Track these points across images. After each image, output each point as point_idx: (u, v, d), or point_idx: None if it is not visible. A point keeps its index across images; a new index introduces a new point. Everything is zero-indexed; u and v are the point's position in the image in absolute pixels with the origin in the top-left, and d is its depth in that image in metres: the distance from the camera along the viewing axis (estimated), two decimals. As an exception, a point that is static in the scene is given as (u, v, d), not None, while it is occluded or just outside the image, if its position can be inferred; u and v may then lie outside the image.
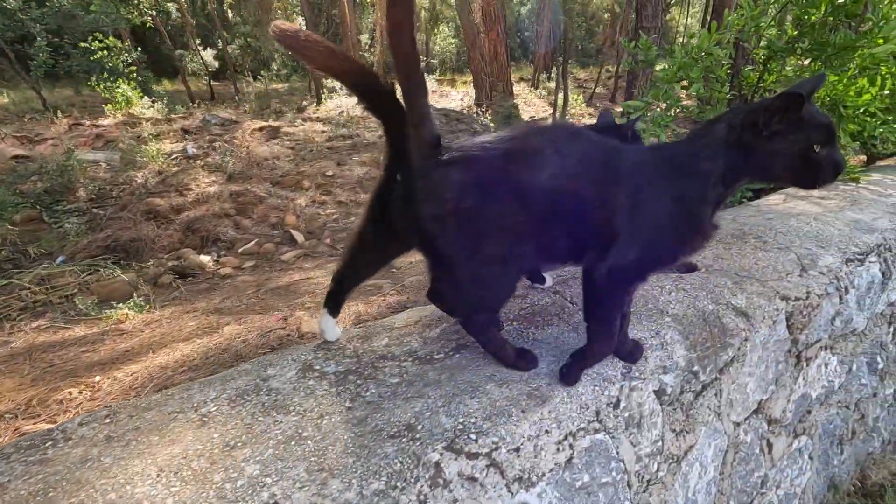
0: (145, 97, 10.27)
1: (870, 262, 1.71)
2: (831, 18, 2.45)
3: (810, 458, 1.66)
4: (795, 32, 2.56)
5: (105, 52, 9.88)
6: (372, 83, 0.91)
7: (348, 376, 1.00)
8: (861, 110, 2.41)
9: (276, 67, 16.67)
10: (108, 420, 0.89)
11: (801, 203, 2.09)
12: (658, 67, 2.67)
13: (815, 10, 2.41)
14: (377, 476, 0.74)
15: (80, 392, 1.61)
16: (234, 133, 8.31)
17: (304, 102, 12.71)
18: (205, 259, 4.15)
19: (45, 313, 3.06)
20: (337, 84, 13.87)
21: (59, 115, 9.18)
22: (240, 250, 4.48)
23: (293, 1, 16.31)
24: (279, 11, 16.29)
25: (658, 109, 2.54)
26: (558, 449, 0.88)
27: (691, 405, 1.15)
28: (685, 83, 2.53)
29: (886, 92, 2.35)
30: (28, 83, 9.78)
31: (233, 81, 13.98)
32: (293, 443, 0.81)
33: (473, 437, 0.82)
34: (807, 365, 1.53)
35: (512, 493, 0.81)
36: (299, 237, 4.75)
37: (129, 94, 9.84)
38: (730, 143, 0.84)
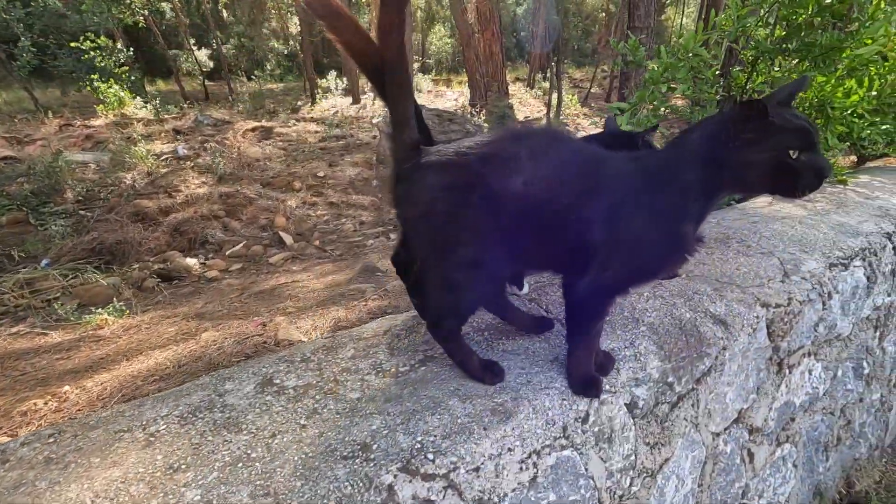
0: (138, 98, 10.20)
1: (854, 266, 1.69)
2: (818, 19, 2.43)
3: (794, 465, 1.63)
4: (783, 33, 2.54)
5: (97, 52, 9.80)
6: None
7: (308, 391, 0.96)
8: (849, 111, 2.38)
9: (270, 67, 16.59)
10: (51, 440, 0.85)
11: (787, 206, 2.06)
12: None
13: (802, 10, 2.38)
14: (325, 501, 0.71)
15: (46, 403, 1.56)
16: (227, 133, 8.26)
17: (299, 102, 12.67)
18: (191, 262, 4.10)
19: (25, 318, 3.01)
20: (332, 84, 13.82)
21: (51, 115, 9.10)
22: (227, 253, 4.43)
23: (287, 0, 16.24)
24: (273, 11, 16.22)
25: (645, 111, 2.51)
26: (522, 468, 0.84)
27: (667, 417, 1.12)
28: (674, 84, 2.50)
29: (874, 93, 2.33)
30: (20, 83, 9.70)
31: (227, 81, 13.91)
32: (240, 465, 0.77)
33: (431, 456, 0.79)
34: (789, 372, 1.50)
35: (470, 516, 0.77)
36: (288, 239, 4.70)
37: (122, 94, 9.77)
38: (703, 155, 0.81)
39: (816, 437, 1.71)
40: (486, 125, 9.00)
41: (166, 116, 9.54)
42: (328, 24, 0.83)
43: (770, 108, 0.77)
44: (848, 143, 2.72)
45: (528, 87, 14.95)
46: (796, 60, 2.53)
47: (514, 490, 0.83)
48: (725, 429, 1.32)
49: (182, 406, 0.93)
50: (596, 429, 0.96)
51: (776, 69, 2.69)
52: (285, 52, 17.18)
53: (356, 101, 12.34)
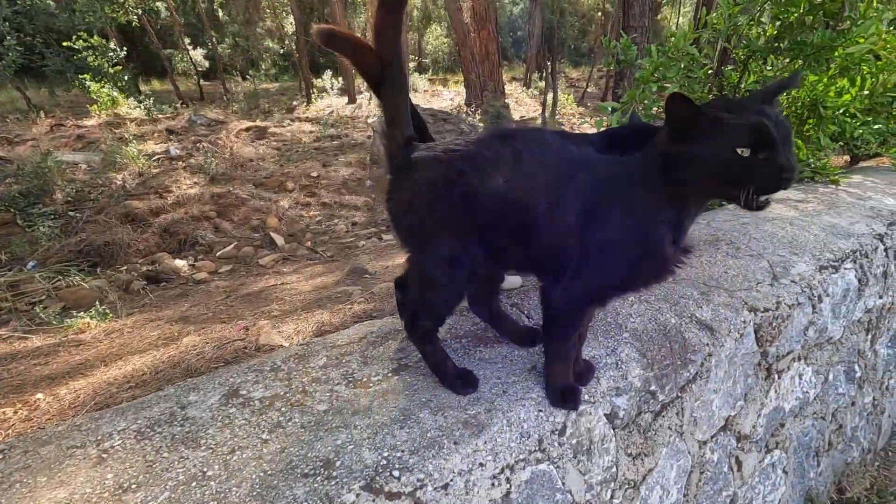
0: (131, 97, 10.12)
1: (845, 268, 1.66)
2: (810, 17, 2.40)
3: (784, 472, 1.60)
4: (774, 32, 2.51)
5: (89, 51, 9.70)
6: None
7: (274, 402, 0.92)
8: (841, 111, 2.36)
9: (265, 67, 16.51)
10: None
11: (778, 206, 2.03)
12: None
13: (794, 8, 2.35)
14: (281, 523, 0.67)
15: (16, 412, 1.52)
16: (220, 133, 8.20)
17: (295, 102, 12.60)
18: (180, 263, 4.05)
19: (8, 322, 2.96)
20: (328, 84, 13.77)
21: (43, 115, 9.02)
22: (218, 254, 4.38)
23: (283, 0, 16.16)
24: (268, 10, 16.14)
25: (636, 110, 2.48)
26: (493, 483, 0.81)
27: (650, 426, 1.09)
28: (665, 83, 2.47)
29: (866, 92, 2.30)
30: (12, 83, 9.61)
31: (222, 81, 13.83)
32: (194, 484, 0.73)
33: (396, 473, 0.75)
34: (779, 377, 1.47)
35: (437, 536, 0.74)
36: (279, 240, 4.66)
37: (115, 94, 9.68)
38: (663, 153, 0.76)
39: (807, 443, 1.68)
40: (481, 125, 8.97)
41: (160, 116, 9.47)
42: (332, 48, 0.88)
43: (715, 102, 0.73)
44: (840, 143, 2.69)
45: (524, 87, 14.91)
46: (788, 59, 2.50)
47: (485, 507, 0.79)
48: (712, 437, 1.28)
49: (141, 419, 0.89)
50: (574, 441, 0.92)
51: (768, 68, 2.66)
52: (281, 51, 17.11)
53: (352, 100, 12.28)
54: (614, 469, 1.00)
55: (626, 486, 1.04)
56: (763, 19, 2.65)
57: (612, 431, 0.99)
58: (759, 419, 1.43)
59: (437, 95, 13.73)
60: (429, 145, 0.91)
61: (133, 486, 0.73)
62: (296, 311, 2.21)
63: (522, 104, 12.62)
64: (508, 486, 0.82)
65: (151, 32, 12.69)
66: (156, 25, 14.35)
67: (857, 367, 1.88)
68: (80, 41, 9.63)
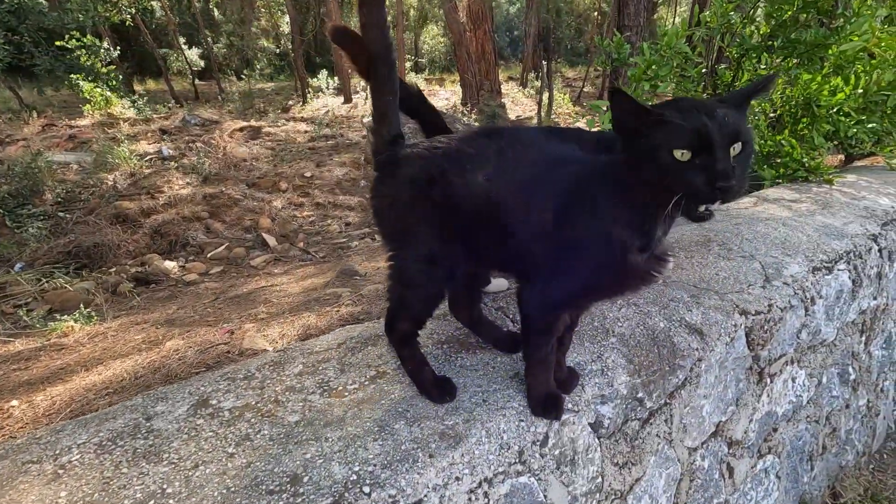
0: (124, 98, 10.04)
1: (838, 269, 1.63)
2: (804, 15, 2.38)
3: (777, 477, 1.57)
4: (768, 30, 2.48)
5: (82, 50, 9.62)
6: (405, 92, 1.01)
7: (245, 413, 0.89)
8: (835, 110, 2.33)
9: (260, 66, 16.43)
10: (-49, 472, 0.77)
11: (771, 206, 2.01)
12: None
13: (787, 5, 2.32)
14: (241, 544, 0.63)
15: (-11, 420, 1.48)
16: (214, 133, 8.14)
17: (290, 102, 12.54)
18: (170, 265, 4.00)
19: (-7, 325, 2.91)
20: (323, 83, 13.70)
21: (35, 115, 8.94)
22: (209, 255, 4.33)
23: (278, -1, 16.08)
24: (263, 10, 16.07)
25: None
26: (470, 498, 0.77)
27: (637, 434, 1.05)
28: (657, 82, 2.44)
29: (860, 91, 2.28)
30: (5, 83, 9.52)
31: (216, 81, 13.75)
32: (152, 502, 0.69)
33: (367, 489, 0.71)
34: (771, 381, 1.44)
35: (409, 556, 0.70)
36: (271, 241, 4.61)
37: (108, 94, 9.60)
38: (622, 160, 0.72)
39: (801, 447, 1.66)
40: (476, 124, 8.93)
41: (154, 116, 9.40)
42: (340, 45, 0.90)
43: (672, 102, 0.68)
44: (834, 142, 2.67)
45: (520, 87, 14.88)
46: (782, 58, 2.47)
47: (461, 523, 0.76)
48: (703, 443, 1.25)
49: (104, 432, 0.85)
50: (557, 451, 0.89)
51: (762, 67, 2.64)
52: (277, 50, 17.03)
53: (348, 100, 12.23)
54: (600, 479, 0.97)
55: (613, 497, 1.01)
56: (757, 16, 2.63)
57: (596, 441, 0.96)
58: (752, 424, 1.40)
59: (434, 95, 13.69)
60: (414, 143, 0.90)
61: (87, 505, 0.69)
62: (283, 313, 2.17)
63: (519, 104, 12.59)
64: (486, 500, 0.79)
65: (146, 32, 12.60)
66: (150, 25, 14.24)
67: (851, 370, 1.85)
68: (73, 40, 9.55)
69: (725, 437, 1.32)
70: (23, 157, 5.99)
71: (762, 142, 2.41)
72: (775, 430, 1.53)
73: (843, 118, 2.35)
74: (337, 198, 5.87)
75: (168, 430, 0.85)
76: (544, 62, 11.72)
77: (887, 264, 1.92)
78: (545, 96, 10.53)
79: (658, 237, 0.73)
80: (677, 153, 0.64)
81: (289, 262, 4.04)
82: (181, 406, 0.92)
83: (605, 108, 2.54)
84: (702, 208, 0.68)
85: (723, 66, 2.82)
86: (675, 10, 18.51)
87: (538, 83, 12.46)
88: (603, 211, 0.73)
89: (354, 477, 0.73)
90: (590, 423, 0.94)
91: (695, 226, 1.83)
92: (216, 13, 16.87)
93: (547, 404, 0.87)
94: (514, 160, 0.82)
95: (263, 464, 0.76)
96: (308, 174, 6.52)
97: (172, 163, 6.50)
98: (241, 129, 8.60)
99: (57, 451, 0.81)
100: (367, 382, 0.97)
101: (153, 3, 13.42)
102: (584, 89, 14.60)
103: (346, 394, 0.93)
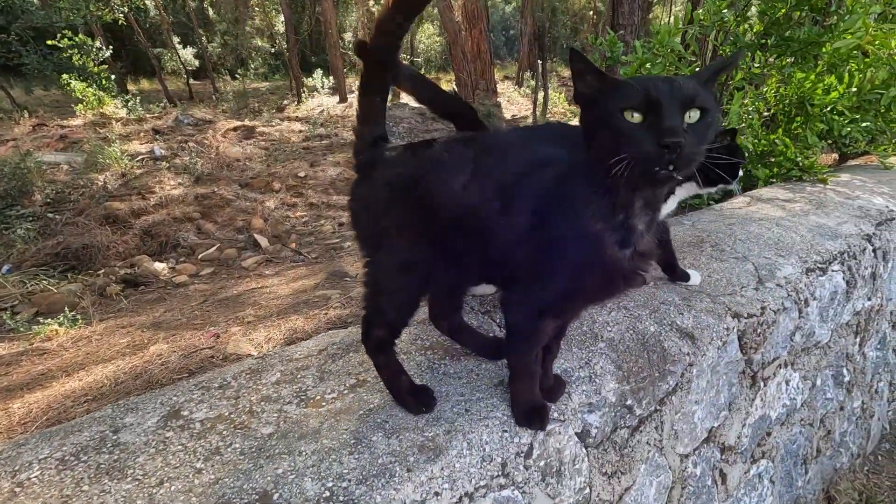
0: (117, 97, 9.94)
1: (832, 270, 1.61)
2: (798, 13, 2.36)
3: (771, 481, 1.54)
4: (761, 28, 2.46)
5: (74, 49, 9.51)
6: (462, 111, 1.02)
7: (217, 425, 0.85)
8: (828, 108, 2.31)
9: (255, 66, 16.34)
10: None
11: (765, 206, 1.98)
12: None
13: (780, 3, 2.30)
14: (203, 568, 0.60)
15: (-38, 429, 1.43)
16: (207, 133, 8.07)
17: (285, 101, 12.46)
18: (160, 266, 3.95)
19: (-24, 329, 2.85)
20: (318, 83, 13.62)
21: (27, 115, 8.84)
22: (200, 256, 4.28)
23: (272, -2, 15.98)
24: (257, 9, 15.97)
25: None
26: (450, 514, 0.74)
27: (626, 443, 1.02)
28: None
29: (854, 89, 2.26)
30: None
31: (211, 80, 13.65)
32: (111, 523, 0.66)
33: (340, 507, 0.68)
34: (764, 385, 1.42)
35: (384, 577, 0.67)
36: (263, 242, 4.56)
37: (100, 93, 9.50)
38: (583, 135, 0.69)
39: (795, 451, 1.63)
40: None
41: (147, 116, 9.31)
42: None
43: (634, 78, 0.65)
44: (828, 141, 2.65)
45: (516, 86, 14.85)
46: (775, 56, 2.45)
47: (440, 540, 0.73)
48: (695, 450, 1.22)
49: (68, 445, 0.82)
50: (542, 463, 0.86)
51: (756, 65, 2.62)
52: (272, 50, 16.93)
53: (343, 99, 12.16)
54: (587, 490, 0.94)
55: (601, 508, 0.98)
56: (751, 14, 2.61)
57: (584, 451, 0.93)
58: (745, 429, 1.38)
59: (429, 94, 13.61)
60: (395, 145, 0.87)
61: (41, 527, 0.65)
62: (271, 316, 2.13)
63: (514, 103, 12.57)
64: (467, 516, 0.75)
65: (139, 31, 12.49)
66: (144, 24, 14.12)
67: (845, 371, 1.83)
68: (65, 39, 9.43)
69: (718, 443, 1.30)
70: (11, 158, 5.91)
71: (756, 141, 2.39)
72: (769, 434, 1.50)
73: (836, 117, 2.33)
74: (331, 198, 5.82)
75: (135, 443, 0.81)
76: (539, 61, 11.69)
77: (882, 264, 1.90)
78: (540, 95, 10.50)
79: (640, 231, 0.69)
80: (628, 115, 0.61)
81: (280, 264, 4.00)
82: (151, 417, 0.88)
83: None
84: (661, 172, 0.60)
85: (716, 64, 2.79)
86: (671, 10, 18.53)
87: (534, 82, 12.44)
88: (573, 204, 0.69)
89: (327, 493, 0.70)
90: (577, 433, 0.91)
91: (688, 226, 1.80)
92: (210, 12, 16.75)
93: (531, 414, 0.84)
94: (491, 165, 0.79)
95: (232, 480, 0.72)
96: (302, 174, 6.47)
97: (164, 163, 6.43)
98: (234, 129, 8.53)
99: (16, 467, 0.77)
100: (346, 391, 0.93)
101: (146, 1, 13.31)
102: (580, 88, 14.55)
103: (324, 403, 0.90)
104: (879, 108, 2.28)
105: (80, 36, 9.87)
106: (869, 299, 1.87)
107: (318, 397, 0.92)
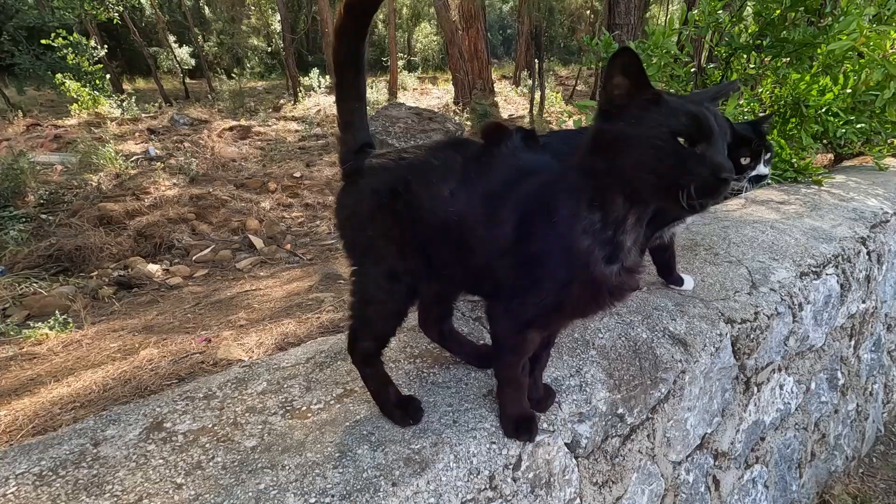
0: (112, 96, 9.88)
1: (827, 274, 1.60)
2: (793, 14, 2.35)
3: (765, 486, 1.54)
4: (756, 28, 2.45)
5: (68, 49, 9.44)
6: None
7: (199, 438, 0.83)
8: (823, 110, 2.30)
9: (251, 65, 16.27)
10: None
11: (760, 209, 1.98)
12: None
13: (775, 4, 2.29)
14: (179, 590, 0.58)
15: (-55, 438, 1.41)
16: (203, 133, 8.03)
17: (281, 101, 12.41)
18: (153, 268, 3.92)
19: (-34, 332, 2.82)
20: (315, 82, 13.57)
21: (21, 114, 8.78)
22: (194, 258, 4.25)
23: (268, -4, 15.91)
24: (253, 8, 15.90)
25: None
26: (436, 529, 0.73)
27: (617, 452, 1.01)
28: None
29: (849, 90, 2.25)
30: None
31: (207, 79, 13.59)
32: (86, 542, 0.64)
33: (322, 523, 0.67)
34: (758, 390, 1.41)
35: None
36: (258, 243, 4.54)
37: (95, 93, 9.44)
38: (588, 142, 0.66)
39: (789, 455, 1.63)
40: (468, 123, 8.88)
41: (142, 116, 9.26)
42: None
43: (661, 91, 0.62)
44: (824, 142, 2.65)
45: (513, 85, 14.83)
46: (770, 57, 2.44)
47: (426, 556, 0.71)
48: (687, 456, 1.21)
49: (47, 459, 0.80)
50: (530, 475, 0.84)
51: (751, 66, 2.61)
52: (268, 49, 16.87)
53: (339, 99, 12.11)
54: (578, 501, 0.93)
55: (592, 518, 0.97)
56: (746, 15, 2.60)
57: (573, 461, 0.91)
58: (738, 434, 1.37)
59: (427, 94, 13.61)
60: (381, 152, 0.86)
61: (14, 547, 0.64)
62: (263, 320, 2.11)
63: (511, 102, 12.55)
64: (453, 530, 0.74)
65: (134, 30, 12.41)
66: (140, 23, 14.04)
67: (839, 375, 1.83)
68: (60, 38, 9.36)
69: (711, 450, 1.29)
70: (5, 158, 5.87)
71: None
72: (763, 439, 1.49)
73: (831, 118, 2.33)
74: (326, 198, 5.80)
75: (116, 457, 0.80)
76: (536, 61, 11.68)
77: (876, 267, 1.89)
78: (537, 95, 10.49)
79: (628, 248, 0.68)
80: (681, 140, 0.59)
81: (275, 265, 3.98)
82: (133, 429, 0.86)
83: (593, 108, 2.50)
84: (699, 201, 0.60)
85: (711, 65, 2.79)
86: (668, 9, 18.53)
87: (531, 82, 12.42)
88: (562, 219, 0.67)
89: (309, 510, 0.68)
90: (566, 443, 0.90)
91: (682, 228, 1.79)
92: (206, 11, 16.67)
93: (519, 425, 0.83)
94: (478, 173, 0.77)
95: (213, 496, 0.71)
96: (297, 174, 6.44)
97: (159, 163, 6.40)
98: (230, 129, 8.49)
99: (-8, 483, 0.75)
100: (332, 402, 0.92)
101: (142, 0, 13.22)
102: (577, 88, 14.57)
103: (310, 415, 0.88)
104: (874, 109, 2.27)
105: (75, 35, 9.81)
106: (863, 302, 1.86)
107: (304, 408, 0.90)
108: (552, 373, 0.98)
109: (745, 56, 2.57)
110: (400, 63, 16.15)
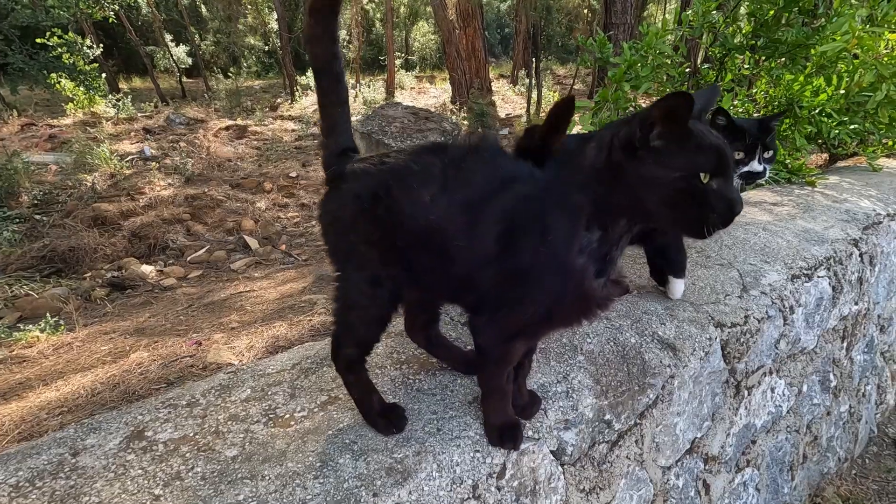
0: (107, 96, 9.83)
1: (818, 276, 1.59)
2: (787, 14, 2.34)
3: (757, 490, 1.53)
4: (750, 29, 2.44)
5: (63, 48, 9.38)
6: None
7: (180, 447, 0.83)
8: (817, 110, 2.30)
9: (248, 64, 16.22)
10: None
11: (752, 210, 1.97)
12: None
13: (769, 5, 2.29)
14: None
15: (-70, 444, 1.40)
16: (199, 133, 7.99)
17: (278, 100, 12.38)
18: (147, 269, 3.90)
19: (-43, 335, 2.80)
20: (312, 81, 13.55)
21: (16, 114, 8.73)
22: (189, 258, 4.24)
23: (265, -5, 15.85)
24: (250, 6, 15.84)
25: (608, 111, 2.40)
26: (417, 540, 0.72)
27: (605, 458, 1.01)
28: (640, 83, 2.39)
29: (842, 91, 2.25)
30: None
31: (203, 79, 13.54)
32: (60, 556, 0.63)
33: (301, 536, 0.66)
34: (748, 394, 1.40)
35: None
36: (253, 243, 4.52)
37: (91, 92, 9.39)
38: (599, 167, 0.66)
39: (781, 458, 1.62)
40: (465, 123, 8.87)
41: (138, 115, 9.22)
42: None
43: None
44: (818, 142, 2.65)
45: (511, 85, 14.81)
46: (764, 58, 2.44)
47: (407, 568, 0.70)
48: (677, 461, 1.21)
49: (24, 469, 0.79)
50: (515, 483, 0.84)
51: (745, 67, 2.60)
52: (265, 48, 16.81)
53: (336, 98, 12.08)
54: (564, 508, 0.92)
55: (579, 525, 0.96)
56: (740, 15, 2.59)
57: (559, 469, 0.91)
58: (729, 438, 1.36)
59: (424, 93, 13.60)
60: (364, 156, 0.85)
61: (-14, 562, 0.63)
62: (255, 322, 2.10)
63: (509, 101, 12.54)
64: (435, 541, 0.73)
65: (130, 29, 12.35)
66: (136, 22, 13.96)
67: (831, 377, 1.82)
68: (55, 38, 9.31)
69: (701, 454, 1.28)
70: (-1, 158, 5.83)
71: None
72: (754, 442, 1.49)
73: (825, 119, 2.32)
74: (322, 198, 5.78)
75: (94, 467, 0.79)
76: (534, 60, 11.67)
77: (868, 269, 1.89)
78: (535, 94, 10.48)
79: (616, 261, 0.68)
80: (703, 176, 0.61)
81: (270, 266, 3.96)
82: (114, 438, 0.85)
83: (591, 108, 2.48)
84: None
85: (706, 65, 2.78)
86: (665, 9, 18.52)
87: (528, 81, 12.40)
88: (558, 238, 0.67)
89: (288, 522, 0.67)
90: (552, 451, 0.89)
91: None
92: (203, 10, 16.60)
93: (504, 433, 0.82)
94: (459, 179, 0.76)
95: (190, 508, 0.70)
96: (293, 174, 6.42)
97: (154, 163, 6.37)
98: (226, 128, 8.46)
99: (-33, 495, 0.74)
100: (316, 409, 0.91)
101: (139, -2, 13.14)
102: (575, 87, 14.56)
103: (293, 423, 0.87)
104: (868, 110, 2.27)
105: (70, 34, 9.74)
106: (856, 304, 1.86)
107: (288, 416, 0.89)
108: (539, 379, 0.97)
109: (739, 57, 2.57)
110: (397, 62, 16.13)
